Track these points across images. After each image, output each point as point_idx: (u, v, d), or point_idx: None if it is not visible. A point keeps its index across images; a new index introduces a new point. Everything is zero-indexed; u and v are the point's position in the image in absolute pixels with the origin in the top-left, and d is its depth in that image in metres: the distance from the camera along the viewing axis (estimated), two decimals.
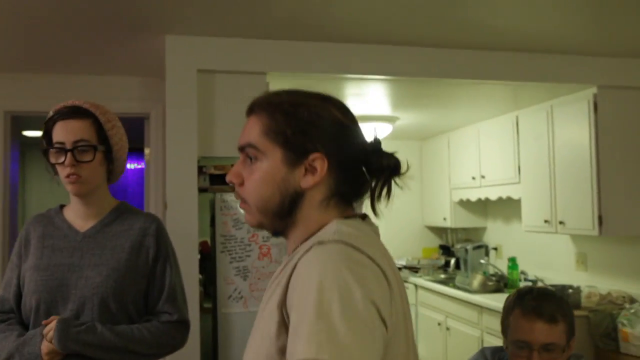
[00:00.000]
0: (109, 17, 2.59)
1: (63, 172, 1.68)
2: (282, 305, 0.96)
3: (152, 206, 3.59)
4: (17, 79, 3.43)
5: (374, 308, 0.92)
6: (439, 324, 4.69)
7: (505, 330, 1.76)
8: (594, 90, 3.43)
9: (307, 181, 1.07)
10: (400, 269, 5.34)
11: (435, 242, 5.94)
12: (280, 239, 2.91)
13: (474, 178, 4.79)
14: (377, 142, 1.14)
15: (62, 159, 1.66)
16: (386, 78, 3.22)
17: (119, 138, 1.77)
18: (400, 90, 3.69)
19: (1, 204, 3.40)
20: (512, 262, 4.41)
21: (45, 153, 1.70)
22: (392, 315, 0.97)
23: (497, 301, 3.97)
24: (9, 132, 3.51)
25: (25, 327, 1.70)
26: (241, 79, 2.93)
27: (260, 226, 1.13)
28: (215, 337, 2.94)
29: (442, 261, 5.52)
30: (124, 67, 3.38)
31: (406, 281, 5.29)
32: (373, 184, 1.12)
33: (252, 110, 1.16)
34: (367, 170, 1.13)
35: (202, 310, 3.01)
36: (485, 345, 3.96)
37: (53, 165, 1.70)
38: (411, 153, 5.90)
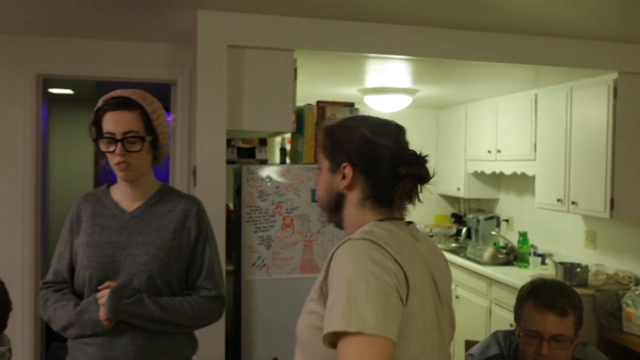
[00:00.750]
0: None
1: (113, 159, 1.81)
2: (323, 284, 1.26)
3: (177, 170, 3.70)
4: (48, 42, 3.51)
5: (392, 290, 1.18)
6: None
7: (518, 318, 1.89)
8: (614, 75, 3.47)
9: (341, 184, 1.38)
10: None
11: (447, 210, 6.06)
12: (303, 212, 3.05)
13: (489, 152, 4.87)
14: (413, 154, 1.40)
15: (112, 148, 1.79)
16: (408, 58, 3.28)
17: (164, 127, 1.89)
18: (421, 68, 3.74)
19: (34, 165, 3.52)
20: (523, 237, 4.53)
21: (96, 141, 1.83)
22: (407, 300, 1.22)
23: (507, 274, 4.11)
24: (40, 94, 3.62)
25: (78, 297, 1.86)
26: (270, 55, 3.00)
27: (328, 221, 1.49)
28: (238, 301, 3.10)
29: (454, 230, 5.65)
30: (152, 34, 3.43)
31: None
32: (399, 189, 1.35)
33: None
34: (394, 177, 1.35)
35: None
36: (493, 316, 4.13)
37: (102, 152, 1.82)
38: (428, 121, 5.96)
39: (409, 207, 1.42)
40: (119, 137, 1.78)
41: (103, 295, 1.77)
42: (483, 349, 1.95)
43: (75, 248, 1.87)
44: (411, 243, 1.34)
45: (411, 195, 1.37)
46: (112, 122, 1.79)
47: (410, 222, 1.42)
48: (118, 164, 1.80)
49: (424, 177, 1.36)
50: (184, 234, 1.90)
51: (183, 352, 1.94)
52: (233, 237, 3.27)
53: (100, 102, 1.84)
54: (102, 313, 1.76)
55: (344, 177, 1.38)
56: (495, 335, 1.98)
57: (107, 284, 1.79)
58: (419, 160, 1.37)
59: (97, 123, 1.82)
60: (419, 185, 1.37)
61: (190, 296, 1.89)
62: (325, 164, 1.43)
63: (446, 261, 1.51)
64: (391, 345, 1.14)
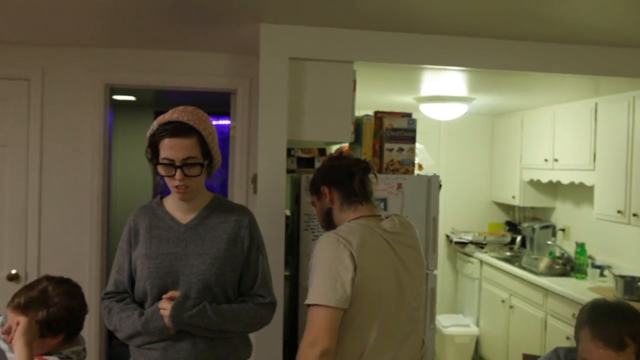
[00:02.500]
0: (206, 4, 2.73)
1: (172, 182, 1.92)
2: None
3: (236, 177, 3.80)
4: (115, 53, 3.67)
5: (347, 273, 1.82)
6: (502, 301, 4.82)
7: (577, 341, 1.84)
8: None
9: (326, 202, 2.09)
10: (466, 244, 5.46)
11: (501, 217, 6.00)
12: None
13: (546, 160, 4.81)
14: (357, 159, 2.14)
15: (172, 173, 1.89)
16: (464, 69, 3.29)
17: (215, 144, 1.99)
18: (477, 78, 3.74)
19: (101, 171, 3.69)
20: (581, 247, 4.45)
21: (152, 162, 1.93)
22: (357, 281, 1.83)
23: (564, 286, 4.06)
24: (108, 102, 3.78)
25: (140, 306, 1.97)
26: (329, 67, 3.06)
27: (325, 229, 2.11)
28: (295, 306, 3.18)
29: (509, 238, 5.59)
30: (214, 45, 3.53)
31: (471, 256, 5.41)
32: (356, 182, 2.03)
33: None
34: (351, 178, 2.04)
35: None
36: (549, 328, 4.08)
37: (159, 173, 1.94)
38: (482, 128, 5.92)
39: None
40: (178, 163, 1.87)
41: (165, 307, 1.87)
42: None
43: (134, 260, 1.97)
44: (377, 234, 1.94)
45: (365, 185, 2.05)
46: (171, 149, 1.87)
47: (388, 216, 2.04)
48: (177, 187, 1.91)
49: (368, 168, 2.06)
50: (237, 243, 2.01)
51: (239, 354, 2.04)
52: (290, 244, 3.34)
53: (155, 126, 1.91)
54: (167, 321, 1.86)
55: (325, 196, 2.07)
56: (556, 351, 1.97)
57: (170, 293, 1.89)
58: (361, 161, 2.09)
59: (153, 147, 1.91)
60: (369, 177, 2.06)
61: (246, 303, 2.00)
62: (314, 198, 2.15)
63: (417, 247, 2.08)
64: (336, 312, 1.79)
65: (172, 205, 2.02)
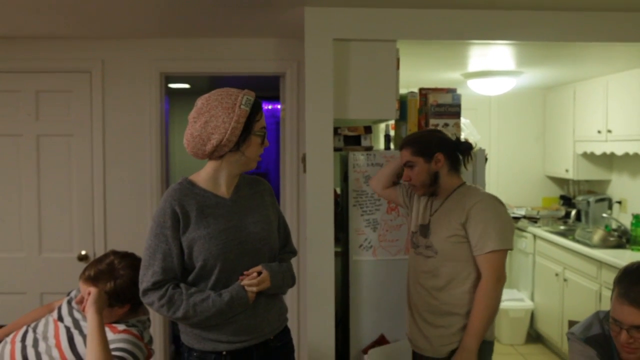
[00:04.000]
0: None
1: (259, 152, 2.10)
2: (465, 223, 2.38)
3: (287, 157, 3.92)
4: (169, 44, 3.83)
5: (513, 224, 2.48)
6: (556, 274, 4.80)
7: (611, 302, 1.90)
8: None
9: (437, 166, 2.49)
10: (519, 218, 5.44)
11: (555, 192, 5.93)
12: None
13: (599, 132, 4.73)
14: (461, 140, 2.61)
15: (263, 142, 2.09)
16: (512, 43, 3.28)
17: None
18: (525, 51, 3.72)
19: (159, 156, 3.88)
20: (637, 219, 4.38)
21: (243, 136, 2.03)
22: None
23: (618, 257, 4.02)
24: (163, 90, 3.96)
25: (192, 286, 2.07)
26: (373, 46, 3.13)
27: (423, 194, 2.57)
28: (346, 281, 3.29)
29: (563, 212, 5.53)
30: (261, 30, 3.63)
31: (524, 230, 5.39)
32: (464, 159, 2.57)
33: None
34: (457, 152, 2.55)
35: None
36: (604, 300, 4.06)
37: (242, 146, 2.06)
38: (534, 103, 5.86)
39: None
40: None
41: (252, 283, 2.02)
42: (585, 328, 1.99)
43: (190, 242, 1.99)
44: None
45: (466, 160, 2.56)
46: (263, 120, 2.10)
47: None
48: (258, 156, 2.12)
49: (471, 147, 2.55)
50: (271, 208, 2.21)
51: (285, 314, 2.25)
52: (340, 220, 3.45)
53: (252, 100, 2.03)
54: (252, 295, 2.02)
55: (438, 161, 2.47)
56: (597, 314, 2.01)
57: (252, 269, 2.05)
58: (467, 141, 2.57)
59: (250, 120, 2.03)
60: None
61: (286, 261, 2.25)
62: (420, 160, 2.49)
63: None
64: (508, 253, 2.38)
65: (207, 183, 2.09)
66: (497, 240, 2.32)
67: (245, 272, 2.04)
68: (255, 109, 2.03)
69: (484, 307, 2.33)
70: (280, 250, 2.26)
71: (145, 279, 1.98)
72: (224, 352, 2.04)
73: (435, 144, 2.50)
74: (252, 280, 2.02)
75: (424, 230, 2.53)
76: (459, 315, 2.42)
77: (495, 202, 2.41)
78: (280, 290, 2.16)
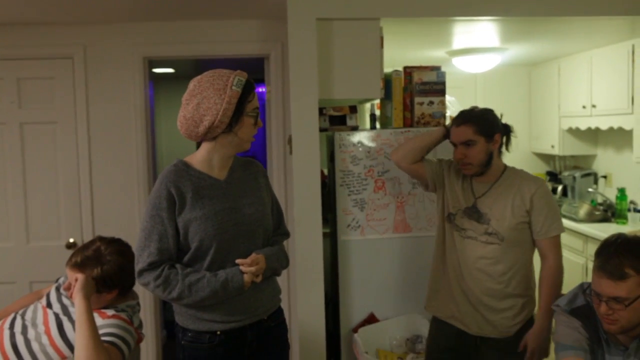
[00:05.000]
0: None
1: (255, 132, 2.08)
2: (529, 211, 2.44)
3: (273, 139, 3.91)
4: (151, 27, 3.78)
5: None
6: None
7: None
8: None
9: (495, 147, 2.51)
10: None
11: (542, 168, 5.97)
12: (394, 175, 3.15)
13: (584, 107, 4.76)
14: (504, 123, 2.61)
15: (256, 122, 2.07)
16: (496, 18, 3.28)
17: None
18: (510, 27, 3.72)
19: (145, 140, 3.86)
20: (621, 192, 4.43)
21: (240, 115, 2.03)
22: None
23: (603, 231, 4.06)
24: (147, 75, 3.93)
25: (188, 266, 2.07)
26: (356, 25, 3.11)
27: (474, 174, 2.52)
28: (335, 261, 3.30)
29: (549, 188, 5.55)
30: (245, 11, 3.60)
31: None
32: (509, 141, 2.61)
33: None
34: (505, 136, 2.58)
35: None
36: (589, 273, 4.09)
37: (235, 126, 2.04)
38: (519, 79, 5.86)
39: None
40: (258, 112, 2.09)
41: (246, 262, 2.03)
42: (569, 300, 2.01)
43: (186, 223, 2.00)
44: None
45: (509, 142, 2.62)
46: (255, 100, 2.07)
47: None
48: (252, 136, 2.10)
49: (511, 132, 2.61)
50: (264, 189, 2.22)
51: (278, 295, 2.27)
52: (328, 200, 3.45)
53: (244, 81, 2.02)
54: (247, 277, 2.03)
55: (496, 142, 2.49)
56: (581, 286, 2.03)
57: (252, 257, 2.05)
58: (507, 124, 2.59)
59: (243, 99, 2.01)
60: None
61: (279, 243, 2.27)
62: (481, 140, 2.45)
63: None
64: None
65: (201, 164, 2.09)
66: (559, 225, 2.47)
67: (238, 261, 2.05)
68: (247, 90, 2.01)
69: (556, 288, 2.46)
70: (274, 232, 2.27)
71: (141, 259, 1.99)
72: (219, 332, 2.06)
73: (496, 124, 2.52)
74: (246, 260, 2.04)
75: (473, 213, 2.51)
76: (520, 297, 2.51)
77: (547, 187, 2.55)
78: (274, 272, 2.18)
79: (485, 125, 2.48)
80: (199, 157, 2.10)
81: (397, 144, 3.19)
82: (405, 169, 2.72)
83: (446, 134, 2.61)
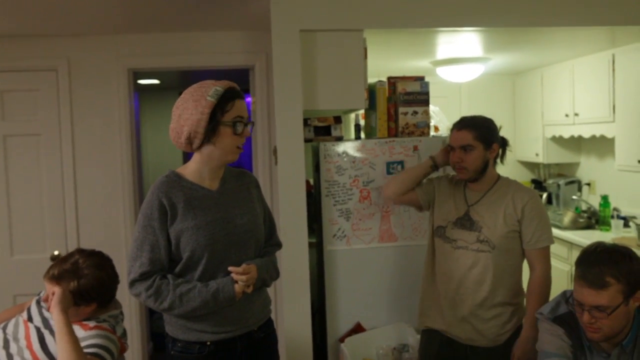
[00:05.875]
0: None
1: (238, 142, 2.04)
2: (520, 220, 2.46)
3: (259, 150, 3.92)
4: (135, 39, 3.79)
5: None
6: None
7: None
8: None
9: (492, 155, 2.55)
10: None
11: (527, 176, 6.01)
12: (379, 184, 3.17)
13: (567, 115, 4.81)
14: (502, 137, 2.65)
15: (242, 131, 2.03)
16: (479, 29, 3.31)
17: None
18: (492, 37, 3.76)
19: (130, 152, 3.85)
20: (604, 200, 4.47)
21: (216, 125, 1.99)
22: None
23: (588, 238, 4.10)
24: (132, 87, 3.93)
25: (178, 277, 2.06)
26: (340, 36, 3.13)
27: (469, 180, 2.54)
28: (321, 271, 3.31)
29: None
30: (229, 23, 3.62)
31: None
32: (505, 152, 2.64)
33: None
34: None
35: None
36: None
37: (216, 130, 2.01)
38: (503, 88, 5.91)
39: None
40: (245, 121, 2.05)
41: (238, 271, 2.03)
42: (552, 308, 2.02)
43: (178, 233, 2.00)
44: None
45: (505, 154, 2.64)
46: (242, 109, 2.03)
47: None
48: (238, 147, 2.05)
49: (507, 145, 2.65)
50: (256, 200, 2.22)
51: (269, 306, 2.28)
52: (314, 210, 3.46)
53: (221, 90, 1.98)
54: (238, 287, 2.02)
55: (494, 151, 2.53)
56: (564, 294, 2.05)
57: (243, 266, 2.04)
58: (504, 138, 2.64)
59: (221, 107, 1.98)
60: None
61: (271, 253, 2.27)
62: (480, 147, 2.49)
63: None
64: None
65: (193, 175, 2.09)
66: (549, 237, 2.49)
67: (231, 268, 2.04)
68: (225, 99, 1.99)
69: (543, 298, 2.45)
70: (266, 242, 2.27)
71: (133, 270, 2.00)
72: (209, 343, 2.05)
73: (496, 134, 2.57)
74: (238, 269, 2.03)
75: (465, 222, 2.54)
76: (509, 305, 2.52)
77: (540, 199, 2.57)
78: (265, 283, 2.18)
79: (486, 133, 2.53)
80: (190, 168, 2.11)
81: (382, 153, 3.21)
82: (398, 201, 2.85)
83: (434, 166, 2.70)
